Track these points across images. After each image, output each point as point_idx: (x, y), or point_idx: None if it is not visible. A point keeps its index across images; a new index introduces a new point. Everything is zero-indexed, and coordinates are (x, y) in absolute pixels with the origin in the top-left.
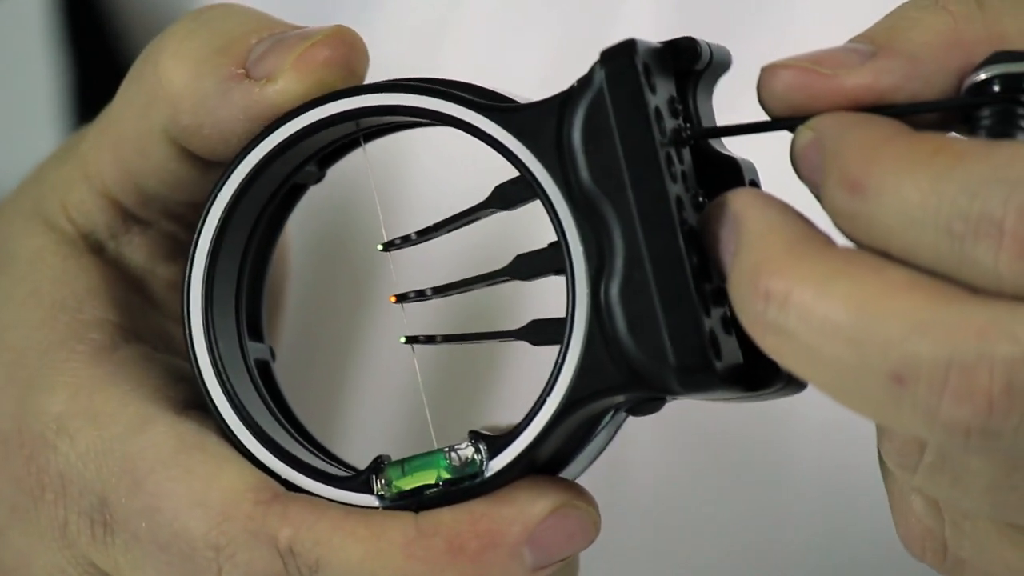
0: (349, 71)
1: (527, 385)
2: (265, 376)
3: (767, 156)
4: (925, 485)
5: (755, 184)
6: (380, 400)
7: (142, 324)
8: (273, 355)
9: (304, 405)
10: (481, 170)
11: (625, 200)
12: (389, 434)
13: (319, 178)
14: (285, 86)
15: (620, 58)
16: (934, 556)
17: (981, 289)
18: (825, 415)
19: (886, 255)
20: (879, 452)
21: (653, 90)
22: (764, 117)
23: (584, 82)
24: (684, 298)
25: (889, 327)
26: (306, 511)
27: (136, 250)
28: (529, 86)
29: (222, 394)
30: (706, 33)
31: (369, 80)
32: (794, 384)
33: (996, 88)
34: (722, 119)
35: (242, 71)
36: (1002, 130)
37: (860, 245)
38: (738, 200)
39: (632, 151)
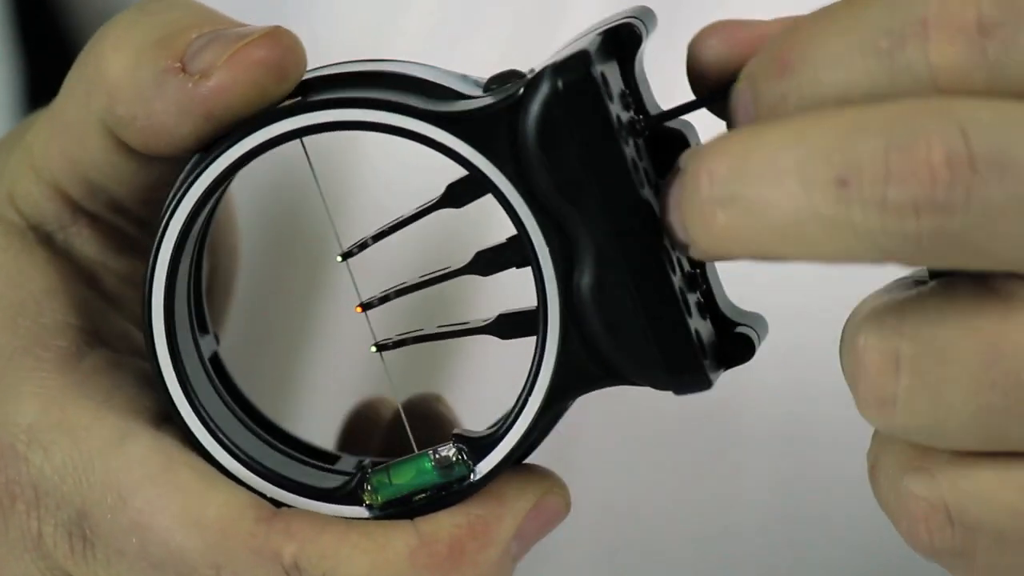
0: (282, 73)
1: (495, 377)
2: (218, 369)
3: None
4: (908, 420)
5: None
6: (348, 402)
7: (103, 326)
8: (218, 340)
9: (273, 410)
10: (426, 157)
11: (593, 209)
12: None
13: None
14: (218, 83)
15: (576, 72)
16: (942, 535)
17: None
18: (780, 394)
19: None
20: (870, 465)
21: (611, 97)
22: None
23: (533, 87)
24: (669, 307)
25: (824, 140)
26: (308, 526)
27: (85, 242)
28: (484, 59)
29: (198, 422)
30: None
31: (321, 62)
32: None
33: None
34: (674, 90)
35: (179, 64)
36: None
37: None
38: (682, 156)
39: (599, 166)
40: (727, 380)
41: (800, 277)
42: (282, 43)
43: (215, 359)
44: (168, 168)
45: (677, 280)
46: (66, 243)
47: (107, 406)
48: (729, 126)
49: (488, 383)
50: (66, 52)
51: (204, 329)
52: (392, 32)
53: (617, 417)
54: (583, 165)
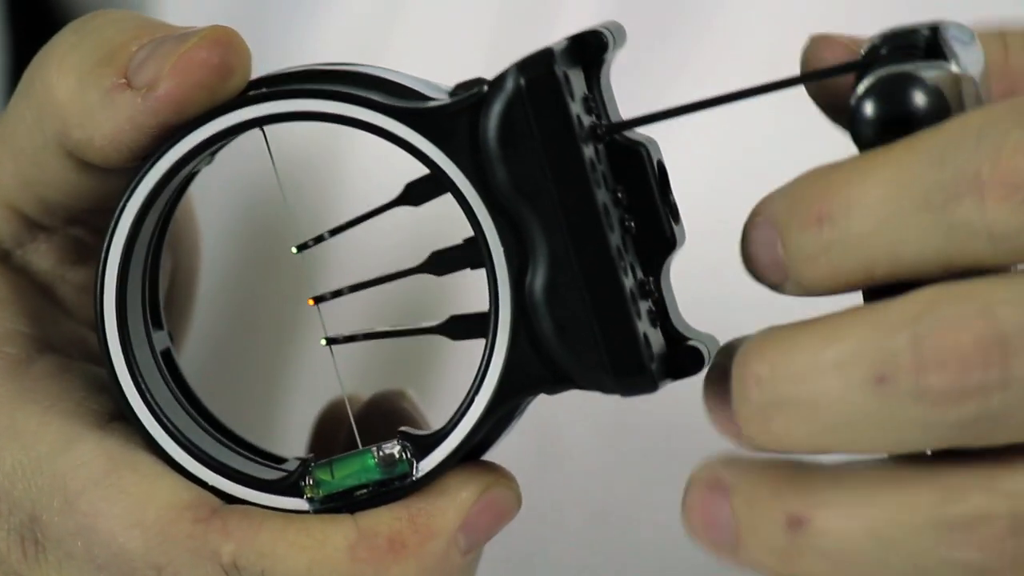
0: (227, 71)
1: (449, 377)
2: (169, 365)
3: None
4: None
5: (661, 164)
6: (307, 397)
7: (54, 332)
8: (172, 339)
9: (232, 405)
10: (397, 154)
11: (549, 208)
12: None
13: (210, 162)
14: (165, 92)
15: (539, 68)
16: None
17: (980, 260)
18: None
19: (871, 276)
20: None
21: (572, 96)
22: (680, 102)
23: (497, 85)
24: (618, 307)
25: (856, 338)
26: (246, 524)
27: (43, 257)
28: (471, 68)
29: (145, 409)
30: (642, 22)
31: (309, 57)
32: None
33: (883, 50)
34: (645, 108)
35: (124, 81)
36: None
37: (843, 282)
38: (732, 357)
39: (557, 163)
40: None
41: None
42: (222, 41)
43: (167, 354)
44: (129, 175)
45: (629, 283)
46: (24, 259)
47: (54, 410)
48: (745, 251)
49: (442, 382)
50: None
51: (158, 324)
52: (378, 47)
53: (603, 428)
54: (541, 161)
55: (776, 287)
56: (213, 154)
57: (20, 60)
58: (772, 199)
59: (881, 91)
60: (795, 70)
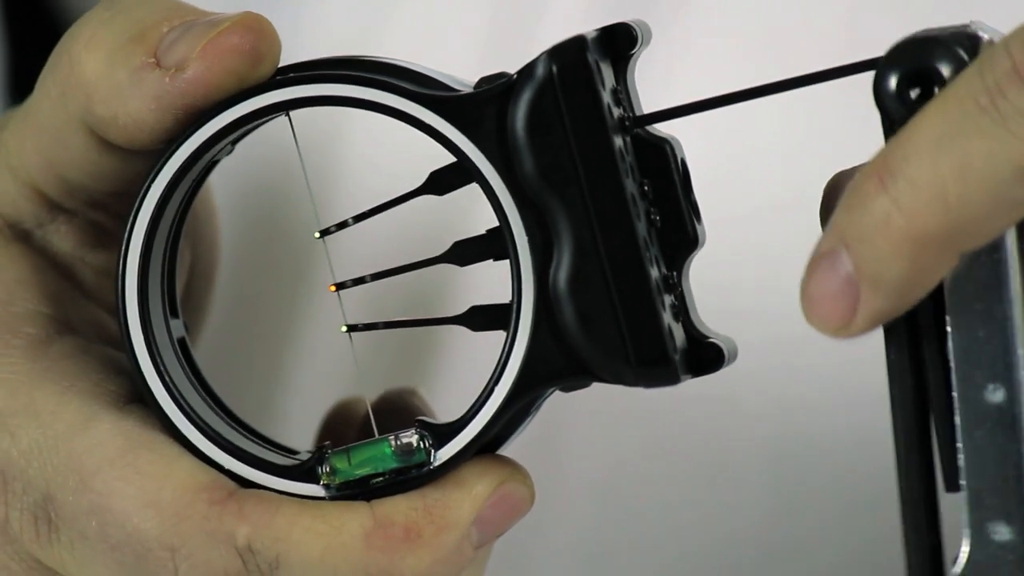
0: (257, 57)
1: (466, 370)
2: (184, 353)
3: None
4: None
5: (684, 162)
6: (322, 386)
7: (74, 314)
8: (187, 328)
9: (244, 393)
10: (413, 144)
11: (576, 196)
12: None
13: (230, 151)
14: (194, 74)
15: (571, 55)
16: None
17: None
18: (769, 393)
19: (949, 208)
20: None
21: (603, 85)
22: (696, 97)
23: (527, 74)
24: (644, 297)
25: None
26: (262, 508)
27: (63, 238)
28: (464, 66)
29: (164, 391)
30: (637, 15)
31: (303, 55)
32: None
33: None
34: (654, 96)
35: (153, 60)
36: None
37: (923, 234)
38: None
39: (588, 151)
40: (722, 383)
41: (782, 301)
42: (254, 28)
43: (182, 342)
44: (150, 159)
45: (654, 274)
46: (44, 240)
47: (73, 390)
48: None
49: (461, 374)
50: (55, 39)
51: (175, 313)
52: (370, 47)
53: (610, 420)
54: (570, 149)
55: (848, 321)
56: (235, 143)
57: (19, 62)
58: (827, 230)
59: (902, 55)
60: (791, 57)
